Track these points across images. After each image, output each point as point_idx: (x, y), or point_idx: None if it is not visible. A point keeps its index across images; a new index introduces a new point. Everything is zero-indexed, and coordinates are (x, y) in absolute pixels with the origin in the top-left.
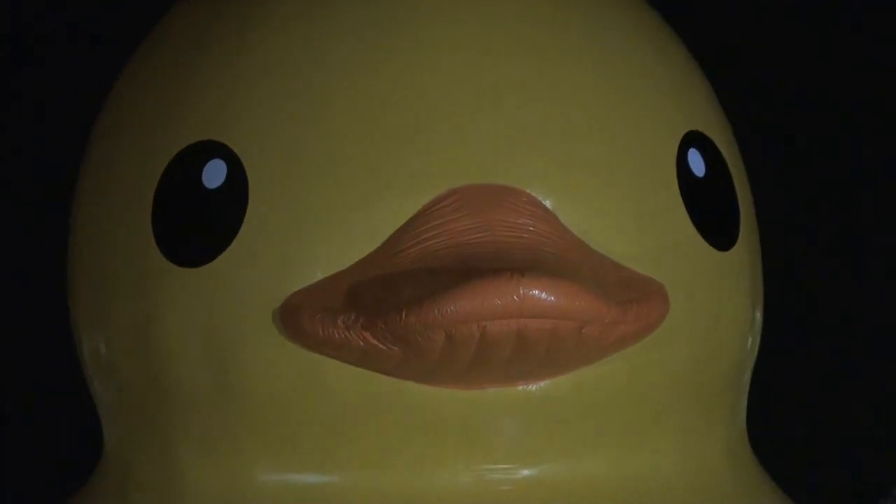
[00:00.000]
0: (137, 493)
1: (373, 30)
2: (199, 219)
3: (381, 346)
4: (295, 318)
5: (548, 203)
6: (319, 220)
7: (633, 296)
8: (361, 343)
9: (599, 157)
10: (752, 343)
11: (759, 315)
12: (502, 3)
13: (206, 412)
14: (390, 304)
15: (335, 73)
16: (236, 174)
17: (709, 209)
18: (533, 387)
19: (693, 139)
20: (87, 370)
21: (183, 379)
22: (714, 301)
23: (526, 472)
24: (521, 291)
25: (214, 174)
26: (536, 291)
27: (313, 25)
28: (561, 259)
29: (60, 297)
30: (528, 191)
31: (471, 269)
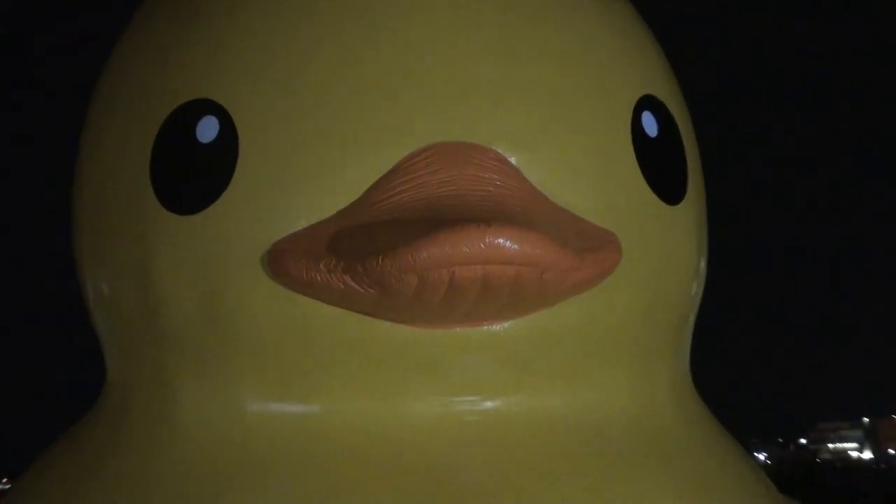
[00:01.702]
0: (136, 418)
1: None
2: (193, 171)
3: (359, 288)
4: (280, 262)
5: (513, 160)
6: (304, 174)
7: (590, 245)
8: (341, 285)
9: (560, 119)
10: (697, 290)
11: (703, 264)
12: None
13: (198, 347)
14: (368, 251)
15: (318, 40)
16: (228, 130)
17: (660, 167)
18: (497, 327)
19: (647, 103)
20: (91, 307)
21: (177, 316)
22: (663, 251)
23: (489, 404)
24: (487, 240)
25: (207, 130)
26: (501, 240)
27: None
28: (524, 211)
29: (66, 243)
30: (494, 148)
31: (441, 219)
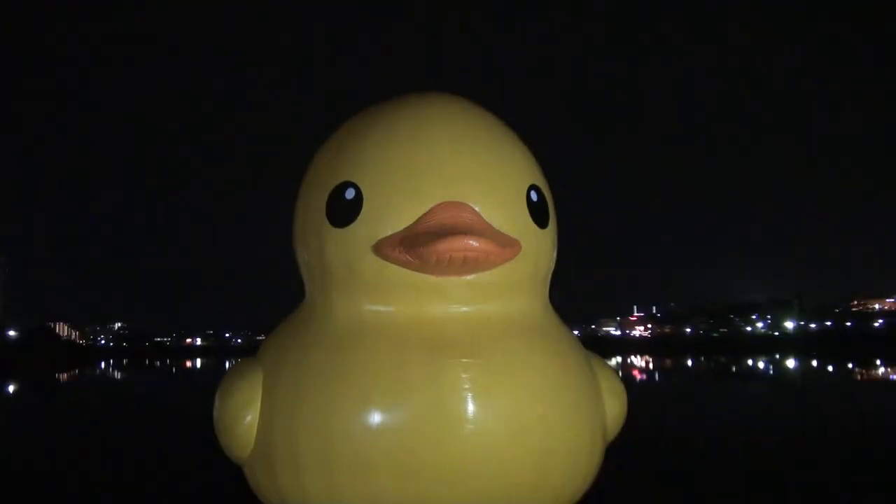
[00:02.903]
0: (316, 314)
1: (422, 136)
2: (344, 210)
3: (412, 259)
4: (379, 248)
5: (477, 208)
6: (392, 212)
7: (508, 243)
8: (404, 258)
9: (498, 192)
10: (552, 264)
11: (555, 253)
12: (460, 128)
13: (344, 283)
14: (417, 244)
15: (398, 155)
16: (359, 194)
17: (537, 212)
18: (469, 277)
19: (532, 186)
20: (298, 262)
21: (334, 270)
22: (537, 248)
23: (465, 308)
24: (466, 241)
25: (349, 193)
26: (472, 242)
27: (390, 135)
28: (482, 230)
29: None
30: (469, 204)
31: (448, 232)
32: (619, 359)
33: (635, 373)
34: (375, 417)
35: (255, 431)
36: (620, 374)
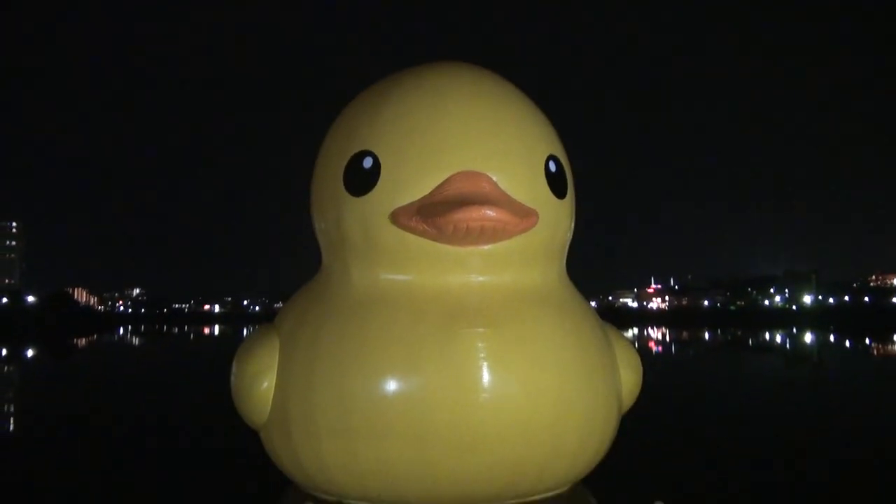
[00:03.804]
0: (334, 280)
1: (440, 106)
2: (362, 179)
3: (429, 229)
4: (396, 217)
5: (495, 178)
6: (409, 182)
7: (525, 214)
8: (421, 228)
9: (516, 162)
10: (570, 234)
11: (573, 224)
12: (479, 98)
13: (360, 250)
14: (433, 214)
15: (416, 125)
16: (377, 162)
17: (555, 182)
18: (487, 246)
19: (551, 156)
20: (315, 229)
21: (351, 237)
22: (555, 218)
23: (482, 278)
24: (483, 211)
25: (367, 162)
26: (489, 212)
27: (408, 104)
28: (498, 200)
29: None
30: (487, 173)
31: (465, 202)
32: (635, 330)
33: (651, 344)
34: (391, 385)
35: (271, 397)
36: (636, 345)
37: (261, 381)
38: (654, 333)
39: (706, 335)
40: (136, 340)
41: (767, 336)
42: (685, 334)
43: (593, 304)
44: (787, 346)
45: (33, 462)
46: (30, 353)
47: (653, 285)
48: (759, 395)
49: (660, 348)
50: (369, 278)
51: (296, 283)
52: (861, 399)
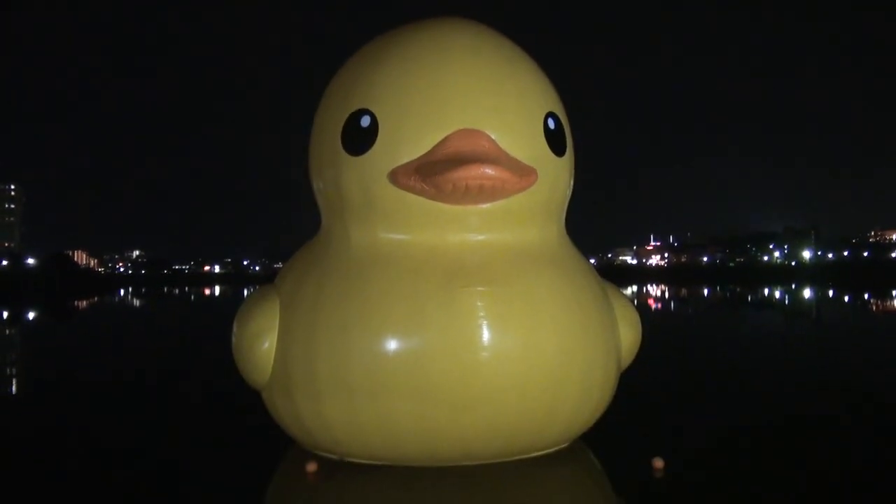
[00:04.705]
0: (333, 241)
1: (439, 63)
2: (360, 137)
3: (427, 188)
4: (396, 176)
5: (494, 136)
6: (407, 140)
7: (524, 172)
8: (420, 187)
9: (515, 120)
10: (569, 192)
11: (572, 182)
12: (477, 55)
13: (359, 211)
14: (432, 172)
15: (416, 84)
16: (374, 121)
17: (554, 140)
18: (485, 205)
19: (550, 114)
20: (314, 190)
21: (351, 197)
22: (554, 176)
23: (481, 237)
24: (482, 169)
25: (365, 120)
26: (488, 170)
27: (406, 62)
28: (497, 157)
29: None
30: (486, 132)
31: (464, 160)
32: (634, 287)
33: (650, 301)
34: (392, 344)
35: (272, 357)
36: (636, 302)
37: (262, 342)
38: (654, 290)
39: (705, 292)
40: (136, 302)
41: (766, 292)
42: (684, 291)
43: (592, 261)
44: (786, 301)
45: (37, 421)
46: (30, 315)
47: (652, 242)
48: (758, 352)
49: (659, 305)
50: (369, 238)
51: (296, 243)
52: (858, 353)
